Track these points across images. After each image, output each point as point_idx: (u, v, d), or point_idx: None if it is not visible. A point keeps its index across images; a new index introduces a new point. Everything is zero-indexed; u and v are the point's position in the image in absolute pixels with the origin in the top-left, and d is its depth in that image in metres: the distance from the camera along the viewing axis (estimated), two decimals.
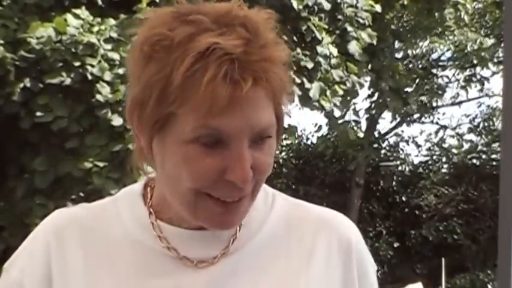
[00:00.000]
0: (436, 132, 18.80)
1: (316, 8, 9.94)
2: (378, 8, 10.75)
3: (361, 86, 10.80)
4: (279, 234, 1.27)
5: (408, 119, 18.36)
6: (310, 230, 1.27)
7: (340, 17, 10.36)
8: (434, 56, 18.54)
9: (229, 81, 1.07)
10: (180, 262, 1.22)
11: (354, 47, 10.37)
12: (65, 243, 1.24)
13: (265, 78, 1.10)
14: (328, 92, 9.92)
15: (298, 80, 9.59)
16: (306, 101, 9.93)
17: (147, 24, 1.15)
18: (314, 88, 9.81)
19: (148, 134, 1.15)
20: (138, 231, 1.24)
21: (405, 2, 14.10)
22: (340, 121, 14.52)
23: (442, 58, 18.62)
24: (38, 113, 7.85)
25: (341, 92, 10.08)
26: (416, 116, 18.37)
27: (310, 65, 9.78)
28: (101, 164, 7.76)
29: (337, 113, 12.65)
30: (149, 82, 1.11)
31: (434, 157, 18.37)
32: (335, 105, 10.25)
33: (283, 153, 18.62)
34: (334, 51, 9.92)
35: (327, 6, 9.96)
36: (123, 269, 1.22)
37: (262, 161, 1.14)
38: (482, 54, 16.77)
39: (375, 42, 10.66)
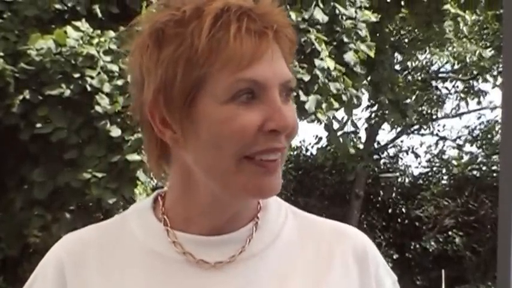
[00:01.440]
0: (436, 144, 18.81)
1: (314, 20, 9.98)
2: (376, 17, 10.78)
3: (359, 99, 10.80)
4: (295, 244, 1.27)
5: (408, 130, 18.38)
6: (325, 241, 1.28)
7: (338, 29, 10.40)
8: (434, 67, 18.59)
9: (254, 33, 1.12)
10: (197, 265, 1.22)
11: (350, 57, 10.40)
12: (78, 264, 1.24)
13: (281, 32, 1.16)
14: (324, 105, 9.94)
15: (293, 93, 9.62)
16: (301, 113, 9.94)
17: (147, 20, 1.17)
18: (310, 101, 9.83)
19: (180, 114, 1.15)
20: (151, 241, 1.24)
21: (404, 15, 14.12)
22: (339, 132, 14.52)
23: (442, 70, 18.66)
24: (38, 125, 7.88)
25: (336, 105, 10.10)
26: (416, 127, 18.39)
27: (306, 78, 9.80)
28: (99, 175, 7.78)
29: (335, 125, 12.66)
30: (172, 59, 1.13)
31: (434, 168, 18.37)
32: (334, 117, 10.27)
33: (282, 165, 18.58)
34: (332, 64, 9.94)
35: (324, 18, 10.00)
36: (140, 280, 1.21)
37: (292, 116, 1.16)
38: (482, 64, 16.82)
39: (372, 54, 10.68)
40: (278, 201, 1.30)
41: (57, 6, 8.29)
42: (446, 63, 18.20)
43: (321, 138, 17.70)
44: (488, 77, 17.55)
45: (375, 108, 16.00)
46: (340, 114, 11.96)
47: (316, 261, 1.25)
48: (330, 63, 9.93)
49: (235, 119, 1.12)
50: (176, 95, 1.14)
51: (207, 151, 1.15)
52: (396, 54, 16.44)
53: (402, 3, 12.58)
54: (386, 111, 14.87)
